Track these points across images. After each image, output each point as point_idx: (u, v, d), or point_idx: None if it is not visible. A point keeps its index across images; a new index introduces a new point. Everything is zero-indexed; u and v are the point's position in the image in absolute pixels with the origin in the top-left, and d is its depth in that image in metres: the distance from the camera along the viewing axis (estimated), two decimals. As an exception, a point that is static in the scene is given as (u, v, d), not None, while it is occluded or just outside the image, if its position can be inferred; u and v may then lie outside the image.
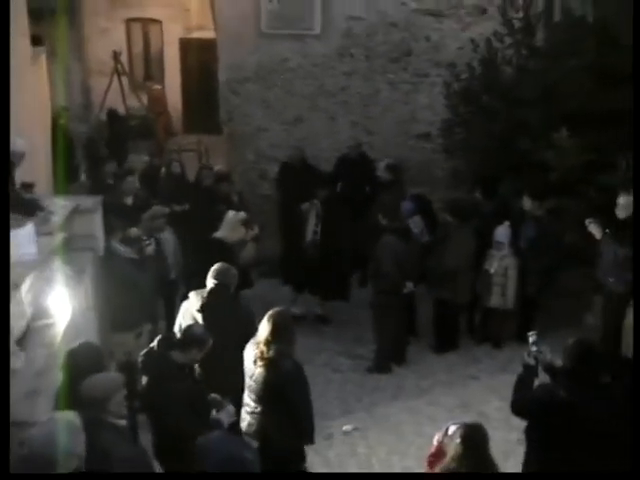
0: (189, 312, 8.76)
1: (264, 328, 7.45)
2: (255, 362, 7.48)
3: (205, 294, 8.79)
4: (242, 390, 7.70)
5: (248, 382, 7.62)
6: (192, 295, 8.96)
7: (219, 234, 11.58)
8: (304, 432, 7.64)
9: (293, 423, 7.48)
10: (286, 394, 7.42)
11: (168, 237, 11.55)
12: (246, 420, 7.62)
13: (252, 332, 7.82)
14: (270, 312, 7.57)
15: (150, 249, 10.72)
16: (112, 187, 12.38)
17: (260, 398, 7.50)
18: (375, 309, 11.58)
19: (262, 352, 7.42)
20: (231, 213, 11.81)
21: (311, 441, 7.85)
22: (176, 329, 8.83)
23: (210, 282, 8.77)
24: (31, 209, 9.28)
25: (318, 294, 13.15)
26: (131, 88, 20.31)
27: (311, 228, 12.65)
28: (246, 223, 11.91)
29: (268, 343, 7.40)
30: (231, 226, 11.68)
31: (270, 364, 7.39)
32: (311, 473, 4.94)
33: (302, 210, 12.72)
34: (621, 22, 11.61)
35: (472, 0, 15.03)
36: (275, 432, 7.39)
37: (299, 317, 12.35)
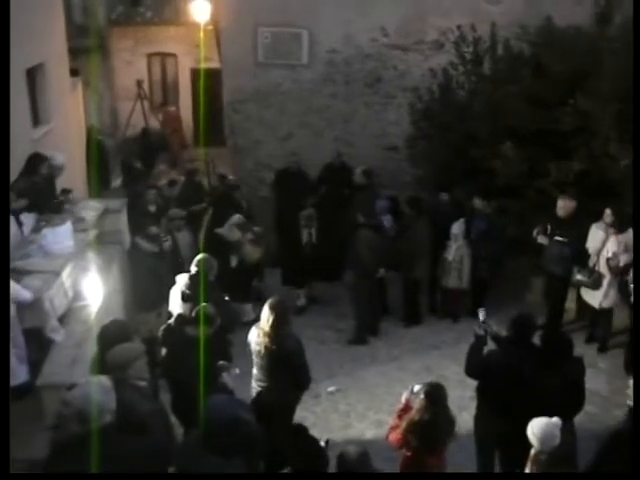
0: (175, 292, 8.87)
1: (266, 316, 7.42)
2: (265, 347, 7.45)
3: (187, 278, 8.82)
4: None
5: (257, 361, 7.63)
6: (179, 278, 8.98)
7: (220, 230, 11.64)
8: (302, 385, 7.73)
9: (294, 382, 7.58)
10: (291, 365, 7.48)
11: (185, 234, 11.62)
12: (257, 392, 7.66)
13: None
14: (270, 302, 7.53)
15: (167, 244, 10.74)
16: (139, 196, 12.34)
17: (270, 373, 7.53)
18: (353, 291, 11.58)
19: (269, 337, 7.41)
20: (235, 217, 11.73)
21: (306, 388, 7.91)
22: (170, 306, 8.86)
23: (192, 269, 8.76)
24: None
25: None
26: (151, 110, 20.27)
27: (306, 231, 12.59)
28: (243, 227, 11.71)
29: (272, 329, 7.40)
30: (230, 227, 11.63)
31: (277, 346, 7.40)
32: (311, 473, 4.94)
33: (299, 217, 12.62)
34: (552, 55, 11.69)
35: (432, 37, 15.02)
36: (279, 392, 7.46)
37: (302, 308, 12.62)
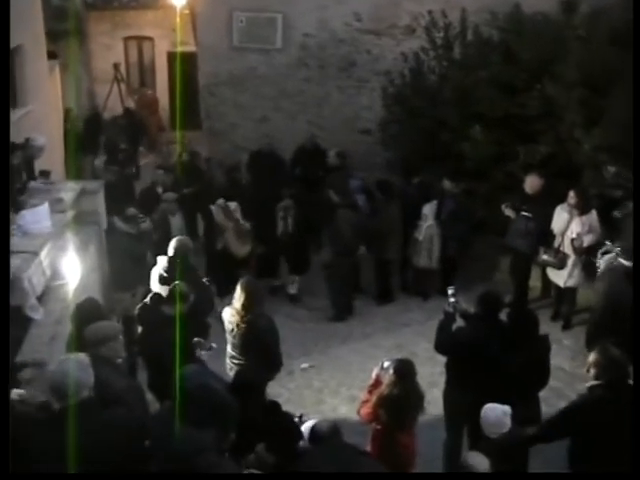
0: (156, 273, 8.82)
1: (239, 296, 7.47)
2: (237, 325, 7.49)
3: (165, 261, 8.79)
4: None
5: (230, 339, 7.67)
6: (159, 259, 8.96)
7: (212, 207, 11.53)
8: (274, 364, 7.73)
9: (266, 361, 7.55)
10: (263, 343, 7.52)
11: (177, 218, 11.46)
12: (233, 369, 7.64)
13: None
14: (241, 281, 7.60)
15: (144, 226, 10.68)
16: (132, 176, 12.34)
17: (243, 351, 7.56)
18: (332, 270, 11.59)
19: (241, 317, 7.45)
20: (220, 200, 11.50)
21: (278, 371, 7.93)
22: (151, 286, 8.84)
23: (170, 250, 8.73)
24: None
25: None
26: (128, 93, 20.10)
27: (283, 222, 12.18)
28: (226, 212, 11.42)
29: (244, 309, 7.44)
30: (216, 207, 11.47)
31: (249, 325, 7.44)
32: (311, 473, 4.93)
33: (275, 206, 12.19)
34: (521, 42, 11.74)
35: (404, 22, 15.03)
36: (251, 370, 7.45)
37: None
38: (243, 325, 7.46)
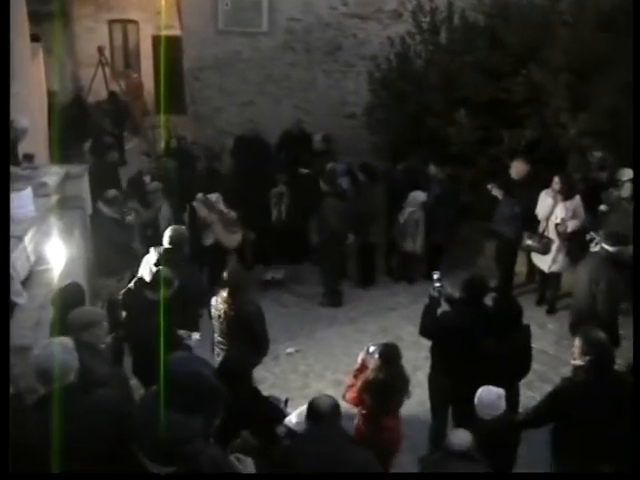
0: (148, 264, 8.70)
1: (225, 284, 7.54)
2: (225, 313, 7.53)
3: (161, 251, 8.73)
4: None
5: (218, 326, 7.70)
6: (152, 250, 8.90)
7: (194, 203, 11.33)
8: (261, 350, 7.77)
9: (253, 347, 7.57)
10: (251, 329, 7.54)
11: (165, 208, 11.14)
12: (221, 355, 7.65)
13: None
14: (227, 270, 7.72)
15: (129, 211, 10.65)
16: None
17: (231, 337, 7.59)
18: (323, 258, 11.59)
19: (228, 304, 7.50)
20: (199, 194, 11.25)
21: (265, 355, 7.99)
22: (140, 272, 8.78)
23: (165, 240, 8.62)
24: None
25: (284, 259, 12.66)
26: (113, 76, 19.97)
27: (276, 209, 12.21)
28: (209, 205, 11.18)
29: (231, 296, 7.49)
30: (198, 202, 11.26)
31: (236, 312, 7.49)
32: (311, 473, 4.90)
33: (270, 195, 12.19)
34: (507, 27, 11.73)
35: (390, 6, 15.01)
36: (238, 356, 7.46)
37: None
38: (231, 312, 7.50)
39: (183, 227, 9.12)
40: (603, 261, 8.26)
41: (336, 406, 5.34)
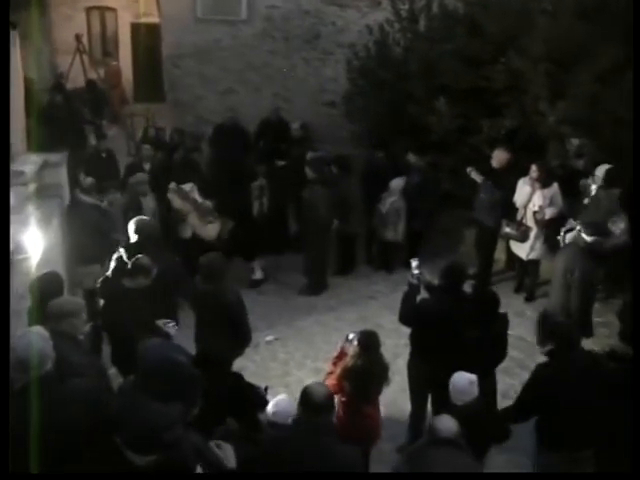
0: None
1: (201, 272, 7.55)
2: (204, 301, 7.55)
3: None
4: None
5: (198, 315, 7.75)
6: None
7: (169, 195, 11.04)
8: (242, 338, 7.78)
9: (234, 335, 7.59)
10: (232, 318, 7.54)
11: (149, 200, 10.90)
12: (200, 343, 7.61)
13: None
14: (202, 258, 7.66)
15: (110, 197, 10.57)
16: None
17: (212, 327, 7.54)
18: (310, 247, 11.50)
19: (208, 293, 7.50)
20: (172, 184, 10.99)
21: (247, 344, 7.99)
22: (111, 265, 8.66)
23: (131, 232, 8.46)
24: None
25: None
26: (91, 64, 19.80)
27: (258, 202, 11.95)
28: (182, 195, 10.93)
29: (208, 284, 7.50)
30: (170, 195, 10.98)
31: (215, 301, 7.48)
32: (311, 473, 4.83)
33: (251, 189, 11.92)
34: (486, 15, 11.73)
35: (369, -7, 15.04)
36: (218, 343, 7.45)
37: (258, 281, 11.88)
38: (210, 301, 7.48)
39: (147, 218, 8.94)
40: (579, 251, 8.30)
41: (330, 397, 5.18)
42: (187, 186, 11.08)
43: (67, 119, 15.53)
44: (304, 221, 11.63)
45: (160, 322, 6.89)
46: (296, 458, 4.85)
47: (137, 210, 10.47)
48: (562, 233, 9.66)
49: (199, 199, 11.10)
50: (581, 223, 9.18)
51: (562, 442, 6.10)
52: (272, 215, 12.17)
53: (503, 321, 7.15)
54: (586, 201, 10.01)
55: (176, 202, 10.96)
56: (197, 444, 4.81)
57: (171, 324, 7.08)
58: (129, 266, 7.45)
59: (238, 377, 6.16)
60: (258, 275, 11.89)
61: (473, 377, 6.07)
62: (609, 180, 9.69)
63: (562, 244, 9.51)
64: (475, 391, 6.04)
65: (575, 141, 10.69)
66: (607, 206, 9.62)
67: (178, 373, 4.82)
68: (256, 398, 6.02)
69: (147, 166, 11.96)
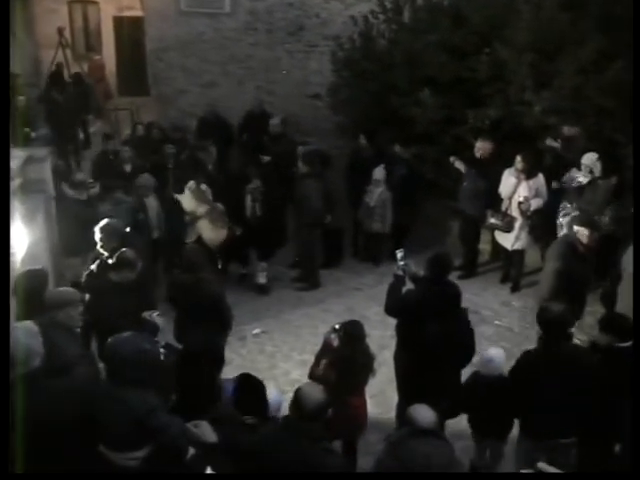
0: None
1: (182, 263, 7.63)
2: (184, 291, 7.55)
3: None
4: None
5: (181, 306, 7.72)
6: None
7: (178, 196, 10.51)
8: (226, 326, 7.86)
9: (219, 325, 7.65)
10: (216, 310, 7.57)
11: (152, 200, 10.58)
12: (183, 334, 7.64)
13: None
14: (183, 250, 7.80)
15: (94, 191, 10.51)
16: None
17: (197, 318, 7.55)
18: (305, 241, 11.40)
19: (189, 284, 7.51)
20: (191, 182, 10.45)
21: (230, 329, 8.05)
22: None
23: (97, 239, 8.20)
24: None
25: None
26: (74, 58, 19.69)
27: (249, 204, 11.14)
28: (198, 196, 10.36)
29: (190, 275, 7.51)
30: (186, 193, 10.44)
31: (198, 292, 7.48)
32: (312, 473, 4.78)
33: (244, 191, 11.13)
34: (470, 5, 11.74)
35: (353, -15, 15.00)
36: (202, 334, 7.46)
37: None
38: (192, 292, 7.49)
39: (115, 220, 8.61)
40: (568, 243, 8.32)
41: (323, 403, 5.00)
42: (203, 186, 10.58)
43: (64, 113, 15.43)
44: (298, 216, 11.37)
45: (146, 314, 6.88)
46: (283, 461, 4.81)
47: (141, 211, 10.36)
48: (560, 217, 9.73)
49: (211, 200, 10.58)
50: (577, 208, 9.28)
51: (542, 429, 6.16)
52: (267, 217, 11.32)
53: (463, 316, 7.15)
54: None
55: (190, 203, 10.39)
56: (183, 426, 4.91)
57: (156, 314, 7.09)
58: (114, 260, 7.44)
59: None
60: (262, 279, 11.45)
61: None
62: (605, 170, 9.75)
63: (559, 229, 9.60)
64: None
65: (567, 129, 10.71)
66: (603, 195, 9.69)
67: (147, 360, 4.85)
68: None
69: (128, 168, 11.72)
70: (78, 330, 6.10)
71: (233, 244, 10.81)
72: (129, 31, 20.54)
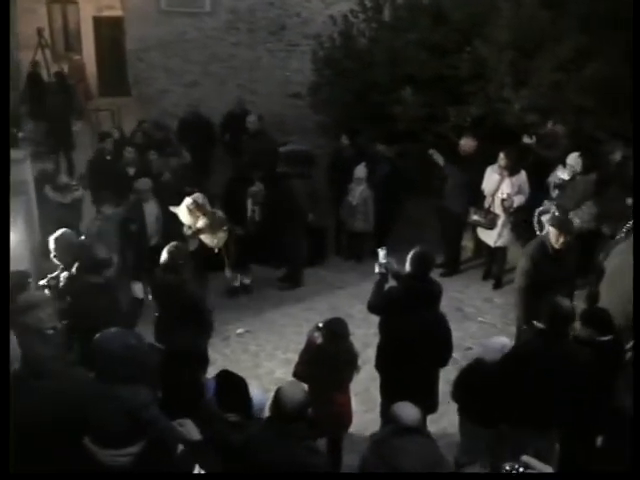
0: None
1: (163, 260, 7.52)
2: (165, 290, 7.52)
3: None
4: None
5: (160, 305, 7.68)
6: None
7: (174, 209, 9.89)
8: (207, 329, 7.81)
9: (199, 327, 7.57)
10: (195, 310, 7.51)
11: (152, 205, 10.27)
12: (164, 334, 7.59)
13: None
14: (166, 247, 7.63)
15: (78, 194, 10.46)
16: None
17: (178, 318, 7.51)
18: (293, 240, 11.27)
19: (169, 283, 7.46)
20: (187, 199, 9.77)
21: (209, 335, 8.01)
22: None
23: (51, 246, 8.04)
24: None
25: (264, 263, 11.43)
26: (54, 59, 19.58)
27: (250, 207, 10.83)
28: (197, 208, 9.73)
29: (170, 274, 7.46)
30: (183, 207, 9.83)
31: (177, 291, 7.45)
32: (311, 473, 4.75)
33: (246, 194, 10.82)
34: (451, 3, 11.77)
35: (333, -16, 15.00)
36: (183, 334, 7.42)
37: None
38: (171, 291, 7.47)
39: (70, 232, 8.29)
40: (537, 244, 8.35)
41: (303, 403, 4.99)
42: (199, 197, 9.84)
43: (50, 113, 15.29)
44: (282, 215, 11.04)
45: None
46: (267, 460, 4.80)
47: (140, 217, 10.10)
48: (536, 214, 9.78)
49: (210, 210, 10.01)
50: (557, 204, 9.32)
51: (527, 417, 6.20)
52: (267, 222, 11.08)
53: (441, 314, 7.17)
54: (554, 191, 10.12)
55: (188, 219, 9.83)
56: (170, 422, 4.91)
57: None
58: (90, 263, 7.41)
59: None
60: (246, 280, 11.31)
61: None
62: (585, 166, 9.80)
63: (536, 226, 9.64)
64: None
65: (551, 126, 10.77)
66: (583, 191, 9.73)
67: (135, 355, 4.84)
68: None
69: (131, 170, 11.46)
70: (50, 332, 6.06)
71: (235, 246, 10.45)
72: (109, 31, 20.45)
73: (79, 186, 10.54)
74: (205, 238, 10.03)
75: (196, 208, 9.70)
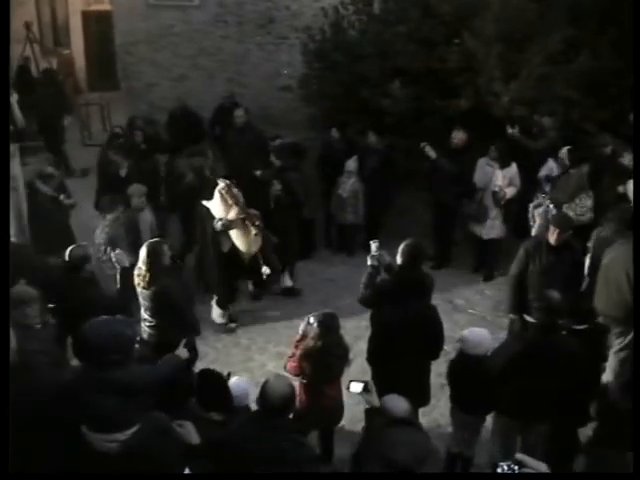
0: None
1: (144, 258, 7.49)
2: (143, 288, 7.50)
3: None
4: None
5: (142, 302, 7.65)
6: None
7: (207, 203, 9.41)
8: (191, 327, 7.81)
9: (179, 323, 7.55)
10: (171, 304, 7.49)
11: (146, 214, 9.94)
12: (147, 332, 7.64)
13: None
14: (146, 244, 7.62)
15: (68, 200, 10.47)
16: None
17: (155, 312, 7.54)
18: (287, 234, 10.92)
19: (143, 277, 7.46)
20: (221, 184, 9.20)
21: (197, 333, 8.04)
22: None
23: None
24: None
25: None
26: (42, 54, 19.47)
27: (274, 194, 10.61)
28: (229, 194, 9.15)
29: (148, 270, 7.45)
30: (215, 198, 9.26)
31: (155, 287, 7.45)
32: (311, 473, 4.70)
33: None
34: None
35: (323, -24, 14.91)
36: (169, 333, 7.40)
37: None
38: (149, 287, 7.47)
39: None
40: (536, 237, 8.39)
41: (288, 396, 4.96)
42: (234, 189, 9.30)
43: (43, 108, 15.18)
44: (279, 210, 10.83)
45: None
46: (254, 454, 4.77)
47: (134, 226, 9.74)
48: (531, 208, 9.81)
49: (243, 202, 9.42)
50: (550, 198, 9.34)
51: (516, 409, 6.27)
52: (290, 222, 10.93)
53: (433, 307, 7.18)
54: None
55: (219, 209, 9.27)
56: (164, 424, 4.87)
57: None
58: (69, 261, 7.45)
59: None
60: (288, 282, 11.09)
61: (484, 332, 6.68)
62: (575, 159, 9.82)
63: (531, 219, 9.67)
64: (488, 347, 6.48)
65: (545, 120, 10.79)
66: (576, 183, 9.76)
67: (124, 342, 4.81)
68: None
69: (123, 173, 11.15)
70: (38, 327, 6.06)
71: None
72: (98, 25, 20.39)
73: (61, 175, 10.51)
74: (237, 239, 9.37)
75: (228, 194, 9.11)
